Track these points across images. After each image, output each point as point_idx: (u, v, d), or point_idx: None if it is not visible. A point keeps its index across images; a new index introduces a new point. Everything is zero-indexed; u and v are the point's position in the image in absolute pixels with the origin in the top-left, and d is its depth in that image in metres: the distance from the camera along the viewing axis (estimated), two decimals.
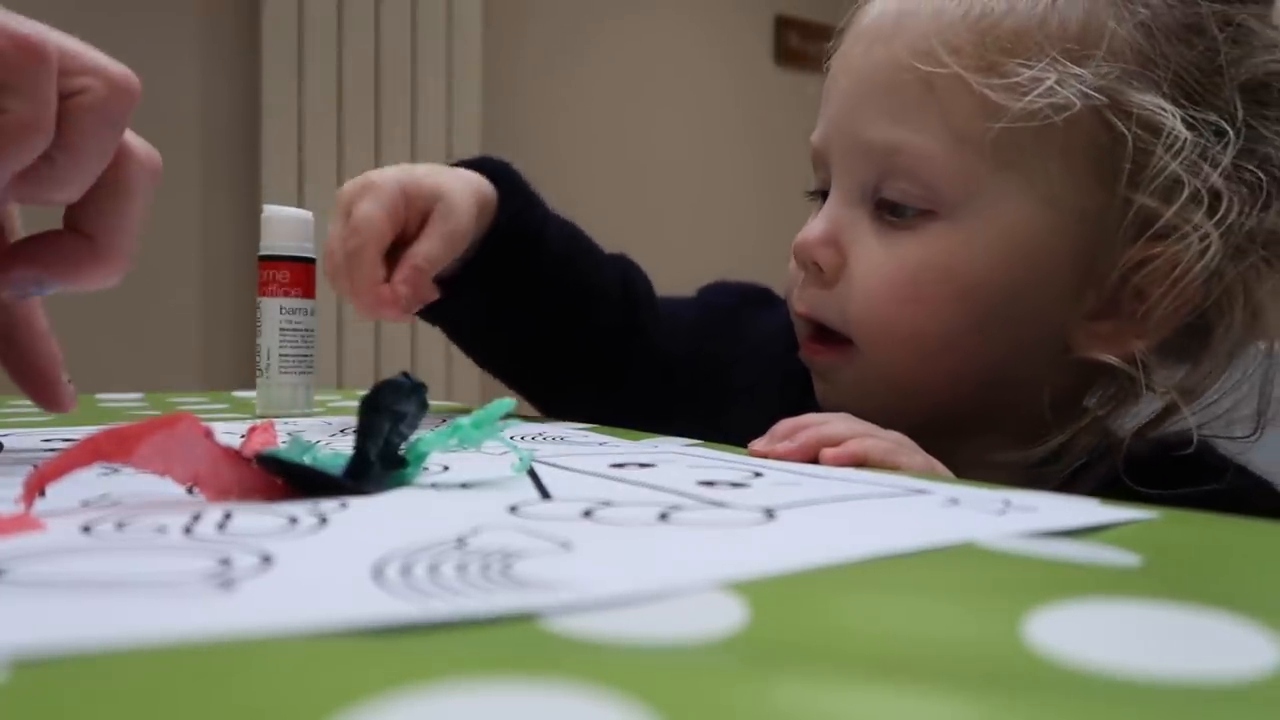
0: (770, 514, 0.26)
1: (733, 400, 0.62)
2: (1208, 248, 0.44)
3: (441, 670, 0.13)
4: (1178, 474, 0.44)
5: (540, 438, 0.48)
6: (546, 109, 2.65)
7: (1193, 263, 0.44)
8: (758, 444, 0.42)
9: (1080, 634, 0.16)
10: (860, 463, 0.39)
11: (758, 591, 0.18)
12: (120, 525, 0.23)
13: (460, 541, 0.21)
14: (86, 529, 0.22)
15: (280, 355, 0.66)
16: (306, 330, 0.67)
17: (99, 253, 0.38)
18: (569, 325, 0.63)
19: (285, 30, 2.23)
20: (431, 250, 0.54)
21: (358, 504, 0.26)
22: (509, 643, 0.15)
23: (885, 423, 0.44)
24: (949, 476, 0.40)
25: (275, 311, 0.65)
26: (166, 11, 2.22)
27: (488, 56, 2.49)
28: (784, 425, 0.42)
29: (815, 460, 0.40)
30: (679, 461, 0.38)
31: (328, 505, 0.26)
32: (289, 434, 0.33)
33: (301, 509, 0.25)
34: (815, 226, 0.52)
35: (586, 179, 2.68)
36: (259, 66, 2.25)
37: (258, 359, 0.67)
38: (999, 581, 0.19)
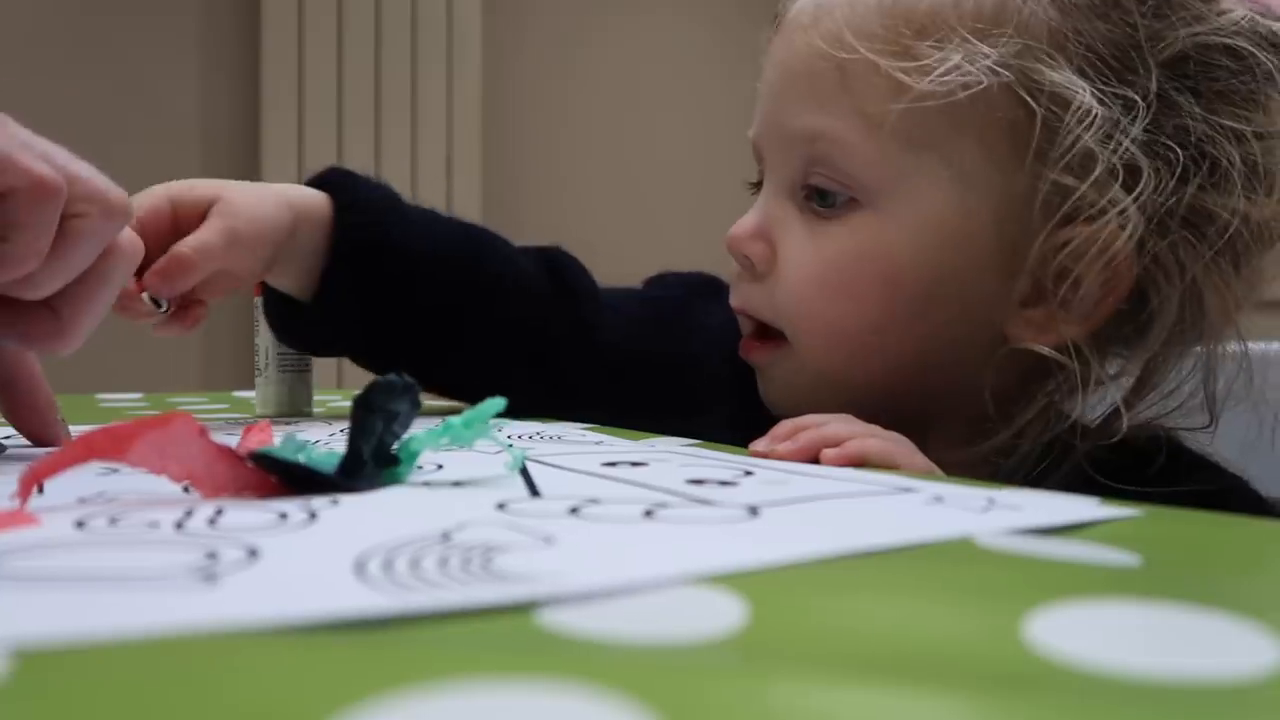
0: (754, 511, 0.26)
1: (690, 398, 0.61)
2: (1127, 223, 0.44)
3: (440, 670, 0.13)
4: (1150, 473, 0.45)
5: (537, 437, 0.48)
6: (546, 109, 2.65)
7: (1112, 239, 0.44)
8: (758, 444, 0.42)
9: (1080, 634, 0.16)
10: (860, 463, 0.40)
11: (757, 591, 0.18)
12: (113, 521, 0.23)
13: (445, 536, 0.21)
14: (80, 524, 0.23)
15: (278, 354, 0.67)
16: None
17: (61, 327, 0.38)
18: (480, 328, 0.60)
19: (285, 30, 2.24)
20: (202, 240, 0.50)
21: (349, 501, 0.27)
22: (508, 643, 0.15)
23: None
24: (944, 479, 0.40)
25: None
26: (167, 11, 2.22)
27: (488, 56, 2.50)
28: (785, 426, 0.42)
29: (816, 460, 0.40)
30: (672, 460, 0.38)
31: (319, 502, 0.26)
32: (285, 433, 0.33)
33: (292, 505, 0.25)
34: (746, 220, 0.52)
35: (587, 178, 2.68)
36: (259, 66, 2.26)
37: (256, 358, 0.67)
38: (999, 581, 0.20)
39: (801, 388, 0.51)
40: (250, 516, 0.24)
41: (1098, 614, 0.17)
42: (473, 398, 0.61)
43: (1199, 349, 0.49)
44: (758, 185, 0.56)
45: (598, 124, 2.73)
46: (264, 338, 0.67)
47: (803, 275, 0.50)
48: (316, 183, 0.58)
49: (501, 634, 0.15)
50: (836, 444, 0.40)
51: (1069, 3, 0.46)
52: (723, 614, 0.16)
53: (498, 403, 0.32)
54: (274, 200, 0.53)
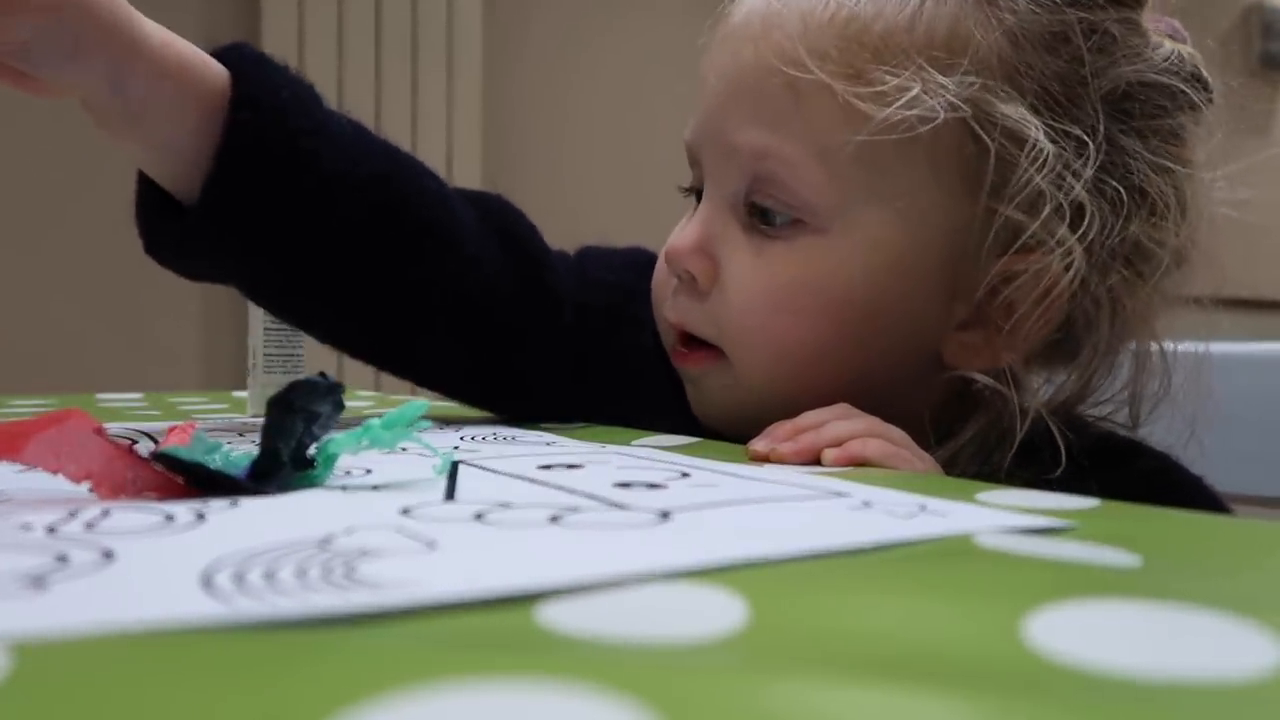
0: (665, 516, 0.26)
1: (643, 396, 0.56)
2: (1071, 263, 0.44)
3: (440, 670, 0.13)
4: (1096, 461, 0.45)
5: (491, 437, 0.47)
6: (546, 109, 2.65)
7: (1057, 277, 0.44)
8: (757, 443, 0.42)
9: (1080, 634, 0.16)
10: (861, 463, 0.40)
11: (758, 591, 0.18)
12: None
13: (325, 542, 0.21)
14: None
15: (265, 354, 0.66)
16: (293, 328, 0.66)
17: None
18: (410, 282, 0.51)
19: (285, 30, 2.24)
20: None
21: (248, 504, 0.26)
22: (508, 643, 0.15)
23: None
24: (937, 479, 0.40)
25: (261, 310, 0.65)
26: (166, 11, 2.23)
27: (488, 56, 2.50)
28: (784, 427, 0.42)
29: (818, 461, 0.40)
30: (611, 463, 0.37)
31: (217, 504, 0.26)
32: (195, 434, 0.32)
33: (182, 508, 0.25)
34: (687, 234, 0.50)
35: (588, 178, 2.68)
36: None
37: (249, 358, 0.67)
38: (998, 581, 0.20)
39: (735, 401, 0.50)
40: (135, 519, 0.23)
41: (1098, 614, 0.17)
42: (388, 362, 0.54)
43: (1131, 351, 0.49)
44: (690, 190, 0.54)
45: (598, 124, 2.72)
46: (255, 338, 0.67)
47: (749, 297, 0.49)
48: (219, 56, 0.47)
49: (501, 633, 0.15)
50: (837, 444, 0.40)
51: (1020, 35, 0.45)
52: (723, 613, 0.16)
53: (420, 405, 0.32)
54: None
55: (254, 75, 0.47)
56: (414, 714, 0.12)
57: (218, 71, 0.46)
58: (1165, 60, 0.47)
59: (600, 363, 0.57)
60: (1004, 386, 0.46)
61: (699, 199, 0.53)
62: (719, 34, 0.51)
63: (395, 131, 2.34)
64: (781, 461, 0.40)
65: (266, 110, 0.46)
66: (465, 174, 2.36)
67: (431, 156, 2.34)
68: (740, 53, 0.49)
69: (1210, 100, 0.49)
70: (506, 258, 0.54)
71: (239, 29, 2.29)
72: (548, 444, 0.45)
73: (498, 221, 0.55)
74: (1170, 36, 0.48)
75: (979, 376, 0.46)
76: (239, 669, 0.13)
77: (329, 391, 0.31)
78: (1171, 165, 0.47)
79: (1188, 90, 0.47)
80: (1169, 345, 0.50)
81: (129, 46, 0.43)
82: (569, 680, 0.13)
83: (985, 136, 0.44)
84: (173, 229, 0.48)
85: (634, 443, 0.46)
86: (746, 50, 0.48)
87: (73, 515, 0.23)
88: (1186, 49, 0.49)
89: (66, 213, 2.11)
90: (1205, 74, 0.49)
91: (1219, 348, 0.51)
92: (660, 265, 0.54)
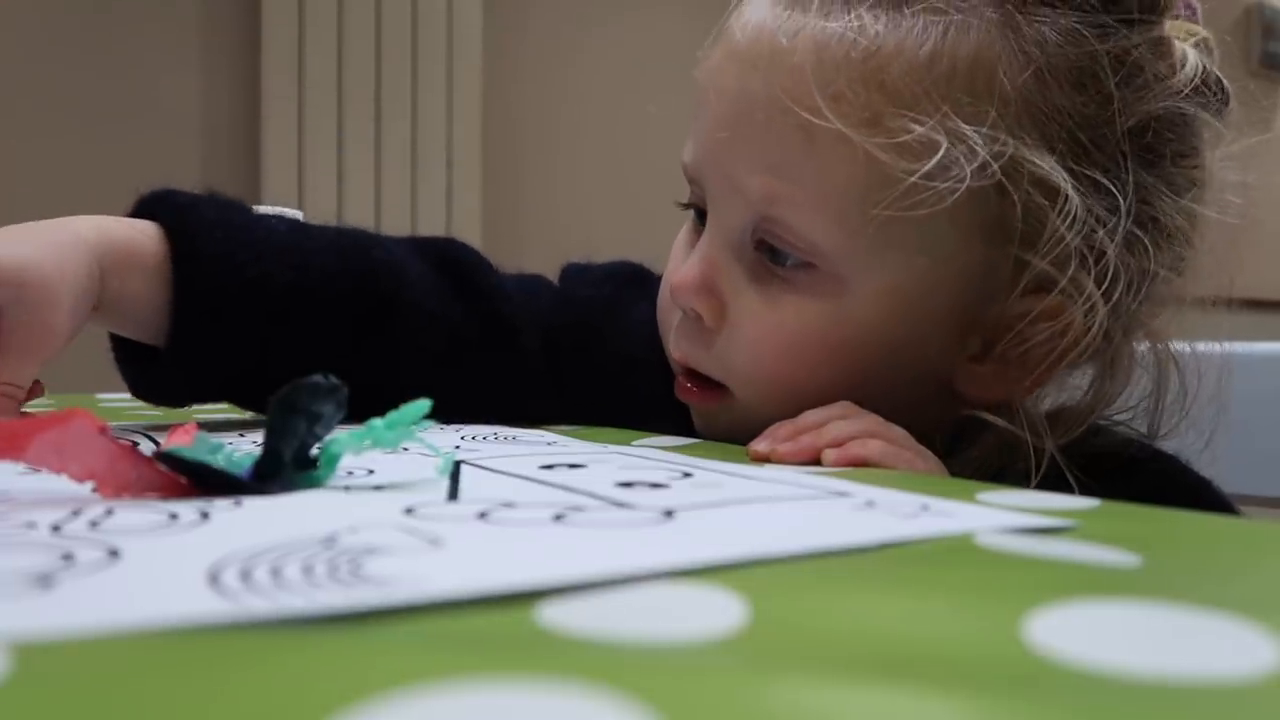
0: (669, 514, 0.26)
1: (624, 402, 0.56)
2: (1093, 320, 0.43)
3: (439, 670, 0.13)
4: (1103, 462, 0.45)
5: (492, 438, 0.47)
6: (547, 106, 2.65)
7: (1079, 333, 0.44)
8: (758, 444, 0.41)
9: (1080, 634, 0.16)
10: (861, 464, 0.39)
11: (758, 591, 0.18)
12: None
13: (330, 540, 0.21)
14: None
15: None
16: None
17: None
18: (378, 354, 0.53)
19: (285, 30, 2.24)
20: (16, 371, 0.42)
21: (252, 503, 0.26)
22: (508, 642, 0.15)
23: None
24: (937, 480, 0.40)
25: None
26: (166, 10, 2.23)
27: (488, 56, 2.50)
28: (785, 427, 0.42)
29: (818, 461, 0.40)
30: (612, 462, 0.37)
31: (221, 503, 0.26)
32: (198, 434, 0.33)
33: (186, 507, 0.25)
34: (691, 270, 0.49)
35: (588, 178, 2.68)
36: (259, 66, 2.26)
37: None
38: (998, 581, 0.20)
39: (741, 430, 0.47)
40: (139, 517, 0.23)
41: (1098, 614, 0.17)
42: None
43: (1150, 369, 0.49)
44: (688, 206, 0.52)
45: (598, 124, 2.72)
46: None
47: (757, 342, 0.47)
48: (141, 209, 0.49)
49: (503, 633, 0.15)
50: (837, 445, 0.40)
51: (1046, 73, 0.43)
52: (724, 613, 0.16)
53: (423, 404, 0.32)
54: (76, 261, 0.44)
55: (185, 226, 0.48)
56: (415, 713, 0.12)
57: (151, 237, 0.48)
58: (1189, 83, 0.45)
59: (579, 377, 0.58)
60: (1018, 428, 0.45)
61: (697, 213, 0.51)
62: (724, 48, 0.48)
63: (395, 129, 2.34)
64: (782, 462, 0.40)
65: (206, 259, 0.48)
66: (465, 174, 2.37)
67: (432, 156, 2.34)
68: (747, 81, 0.46)
69: (1227, 105, 0.48)
70: (465, 304, 0.56)
71: (239, 28, 2.29)
72: (549, 444, 0.45)
73: (450, 270, 0.56)
74: (1187, 18, 0.47)
75: (993, 419, 0.46)
76: (240, 667, 0.13)
77: (331, 392, 0.31)
78: (1191, 202, 0.46)
79: (1210, 116, 0.46)
80: (1188, 351, 0.49)
81: (90, 282, 0.45)
82: (569, 680, 0.13)
83: (1012, 190, 0.42)
84: (152, 372, 0.50)
85: (635, 443, 0.46)
86: (754, 80, 0.45)
87: (77, 514, 0.23)
88: (1205, 57, 0.47)
89: (66, 212, 2.11)
90: (1222, 77, 0.47)
91: (1227, 348, 0.51)
92: (664, 294, 0.53)
